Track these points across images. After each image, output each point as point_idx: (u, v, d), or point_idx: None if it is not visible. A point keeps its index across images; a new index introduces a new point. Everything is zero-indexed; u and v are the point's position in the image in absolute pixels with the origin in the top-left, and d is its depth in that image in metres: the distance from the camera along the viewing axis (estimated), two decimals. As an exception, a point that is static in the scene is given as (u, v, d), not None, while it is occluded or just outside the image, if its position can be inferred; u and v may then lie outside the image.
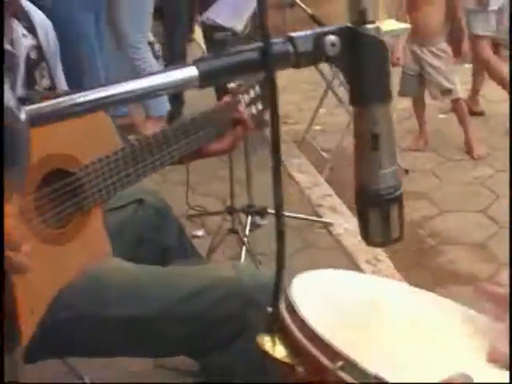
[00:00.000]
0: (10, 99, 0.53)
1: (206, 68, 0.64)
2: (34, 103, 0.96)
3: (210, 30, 2.84)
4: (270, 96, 0.66)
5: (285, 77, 5.25)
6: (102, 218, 1.37)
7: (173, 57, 4.17)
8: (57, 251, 1.26)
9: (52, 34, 1.53)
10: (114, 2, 3.44)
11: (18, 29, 1.38)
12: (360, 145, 0.73)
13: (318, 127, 4.12)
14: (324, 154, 3.72)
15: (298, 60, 0.67)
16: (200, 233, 2.84)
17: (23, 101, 1.21)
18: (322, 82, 3.84)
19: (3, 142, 1.56)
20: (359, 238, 0.78)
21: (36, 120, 0.58)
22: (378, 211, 0.73)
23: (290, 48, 0.67)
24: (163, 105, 3.85)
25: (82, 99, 0.60)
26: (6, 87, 0.51)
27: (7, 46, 1.32)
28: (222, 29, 2.53)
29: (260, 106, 1.63)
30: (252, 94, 1.59)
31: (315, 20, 2.46)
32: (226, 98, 1.53)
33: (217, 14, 2.55)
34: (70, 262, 1.29)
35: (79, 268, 1.29)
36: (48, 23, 1.53)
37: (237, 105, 1.52)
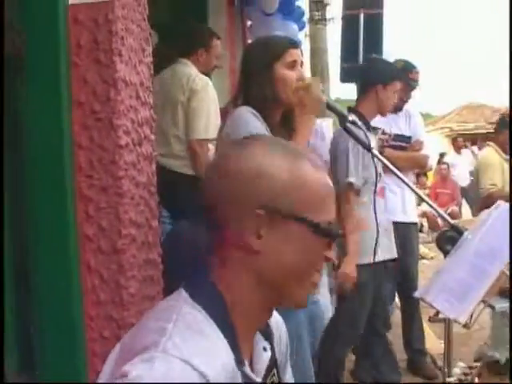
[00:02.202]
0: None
1: None
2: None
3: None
4: None
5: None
6: None
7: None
8: None
9: (284, 332, 1.28)
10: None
11: (260, 343, 1.15)
12: None
13: None
14: None
15: None
16: None
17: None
18: None
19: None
20: None
21: None
22: None
23: None
24: None
25: None
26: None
27: (248, 372, 1.04)
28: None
29: None
30: None
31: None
32: None
33: (435, 298, 1.85)
34: None
35: None
36: (281, 321, 1.28)
37: None
